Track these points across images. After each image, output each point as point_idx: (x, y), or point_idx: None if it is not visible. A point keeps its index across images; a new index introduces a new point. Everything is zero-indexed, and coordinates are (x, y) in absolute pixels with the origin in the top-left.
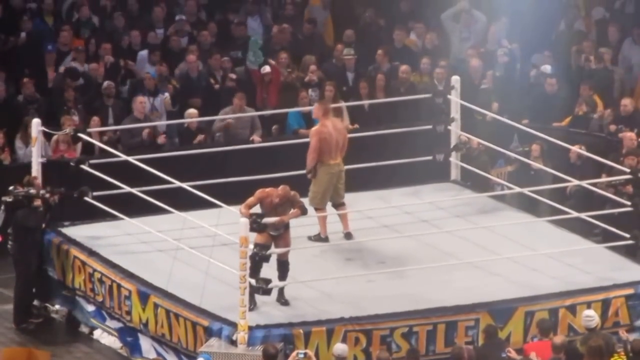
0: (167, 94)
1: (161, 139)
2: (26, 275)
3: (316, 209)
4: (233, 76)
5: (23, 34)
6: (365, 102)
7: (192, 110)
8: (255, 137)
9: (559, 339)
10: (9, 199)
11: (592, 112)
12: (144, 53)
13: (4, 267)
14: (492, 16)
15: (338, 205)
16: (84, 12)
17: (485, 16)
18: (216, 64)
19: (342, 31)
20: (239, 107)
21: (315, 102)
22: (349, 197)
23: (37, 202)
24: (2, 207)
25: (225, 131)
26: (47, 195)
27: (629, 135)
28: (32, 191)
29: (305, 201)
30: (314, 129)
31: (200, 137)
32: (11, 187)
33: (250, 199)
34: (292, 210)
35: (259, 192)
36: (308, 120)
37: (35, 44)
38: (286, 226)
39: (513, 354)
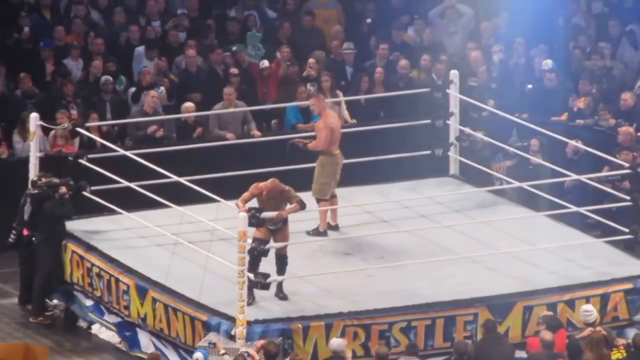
0: (162, 88)
1: (152, 128)
2: (50, 267)
3: (319, 201)
4: (235, 71)
5: (26, 29)
6: (364, 97)
7: (188, 104)
8: (255, 132)
9: (547, 335)
10: (34, 191)
11: (595, 106)
12: (140, 49)
13: (3, 262)
14: (491, 11)
15: (331, 196)
16: (80, 8)
17: (480, 11)
18: (218, 59)
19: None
20: (230, 102)
21: (312, 96)
22: (348, 191)
23: (63, 190)
24: (28, 200)
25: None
26: (72, 181)
27: (624, 130)
28: (55, 180)
29: (304, 195)
30: (320, 122)
31: (198, 130)
32: (34, 178)
33: (245, 194)
34: (291, 205)
35: (253, 187)
36: (306, 115)
37: (33, 39)
38: (285, 221)
39: None
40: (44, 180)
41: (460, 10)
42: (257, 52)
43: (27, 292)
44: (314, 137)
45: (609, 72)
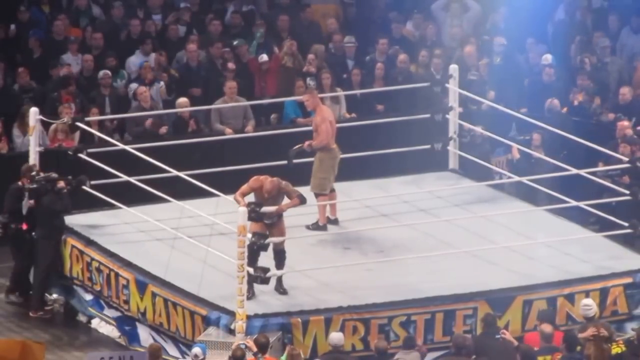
0: (162, 83)
1: (163, 130)
2: (49, 262)
3: (319, 196)
4: (232, 66)
5: (12, 27)
6: (365, 91)
7: (182, 100)
8: (249, 128)
9: (547, 327)
10: (32, 186)
11: (590, 100)
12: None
13: (2, 256)
14: (489, 6)
15: (330, 191)
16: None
17: (481, 5)
18: (217, 53)
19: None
20: (231, 97)
21: (306, 92)
22: (347, 186)
23: (61, 184)
24: (26, 195)
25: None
26: (70, 177)
27: (619, 124)
28: (54, 175)
29: (302, 190)
30: (317, 117)
31: (192, 123)
32: (32, 173)
33: (244, 187)
34: (290, 200)
35: (252, 181)
36: (305, 110)
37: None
38: (280, 215)
39: (508, 335)
40: (41, 174)
41: (467, 4)
42: (253, 48)
43: (15, 283)
44: (310, 134)
45: (604, 68)
